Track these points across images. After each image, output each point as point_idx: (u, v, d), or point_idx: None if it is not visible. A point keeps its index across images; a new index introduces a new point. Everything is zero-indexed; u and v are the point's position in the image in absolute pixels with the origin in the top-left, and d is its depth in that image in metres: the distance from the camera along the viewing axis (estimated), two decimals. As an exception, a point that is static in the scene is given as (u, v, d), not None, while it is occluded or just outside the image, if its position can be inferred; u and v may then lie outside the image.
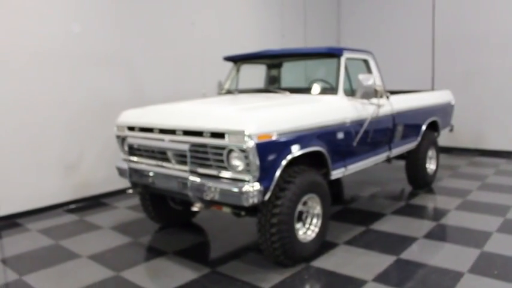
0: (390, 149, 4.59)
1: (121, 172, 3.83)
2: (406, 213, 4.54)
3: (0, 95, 4.35)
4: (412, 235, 3.90)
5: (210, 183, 3.03)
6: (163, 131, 3.36)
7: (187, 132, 3.17)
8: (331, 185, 5.72)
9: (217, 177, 3.09)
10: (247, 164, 2.88)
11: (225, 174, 3.05)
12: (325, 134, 3.47)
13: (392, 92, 5.34)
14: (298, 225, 3.33)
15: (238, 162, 2.94)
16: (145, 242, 3.91)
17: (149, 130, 3.49)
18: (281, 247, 3.11)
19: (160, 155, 3.45)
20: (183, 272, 3.26)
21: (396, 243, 3.73)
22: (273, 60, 4.74)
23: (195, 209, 3.13)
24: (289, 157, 3.09)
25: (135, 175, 3.62)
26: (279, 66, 4.81)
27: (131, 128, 3.67)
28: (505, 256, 3.38)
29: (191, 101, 4.03)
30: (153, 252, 3.67)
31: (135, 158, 3.70)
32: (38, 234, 4.13)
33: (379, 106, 3.91)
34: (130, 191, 3.72)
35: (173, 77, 5.96)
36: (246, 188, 2.88)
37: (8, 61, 4.40)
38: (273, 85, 4.90)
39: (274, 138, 2.98)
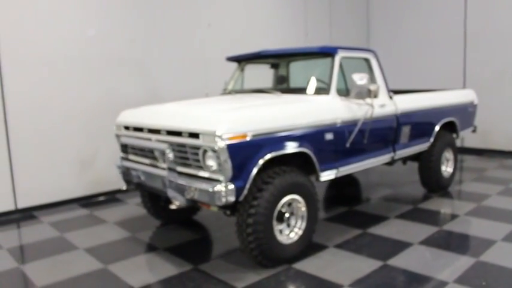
0: (394, 150, 4.43)
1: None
2: (410, 217, 4.37)
3: (21, 96, 4.69)
4: (408, 240, 3.75)
5: (188, 183, 3.11)
6: (151, 131, 3.48)
7: (169, 132, 3.27)
8: (344, 186, 5.66)
9: (196, 177, 3.16)
10: (219, 164, 2.92)
11: (202, 173, 3.12)
12: (311, 135, 3.42)
13: (405, 92, 5.16)
14: (281, 226, 3.31)
15: (212, 162, 2.99)
16: (142, 237, 4.05)
17: (140, 130, 3.62)
18: (258, 247, 3.12)
19: (149, 154, 3.57)
20: (166, 267, 3.35)
21: (388, 248, 3.60)
22: (273, 60, 4.73)
23: (173, 207, 3.21)
24: (267, 157, 3.09)
25: (127, 173, 3.77)
26: (279, 66, 4.79)
27: (127, 128, 3.83)
28: (500, 266, 3.17)
29: (184, 101, 4.11)
30: (145, 247, 3.80)
31: (128, 157, 3.87)
32: (48, 226, 4.41)
33: (372, 106, 3.78)
34: (124, 187, 3.87)
35: (189, 77, 6.11)
36: (218, 187, 2.91)
37: (28, 64, 4.72)
38: (280, 85, 4.89)
39: (248, 139, 2.99)
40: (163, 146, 3.23)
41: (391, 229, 4.05)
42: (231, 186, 2.94)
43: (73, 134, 5.11)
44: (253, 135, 3.02)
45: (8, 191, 4.67)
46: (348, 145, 3.76)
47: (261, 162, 3.06)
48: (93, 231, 4.24)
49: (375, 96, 3.71)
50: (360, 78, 3.66)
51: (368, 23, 9.05)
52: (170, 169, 3.22)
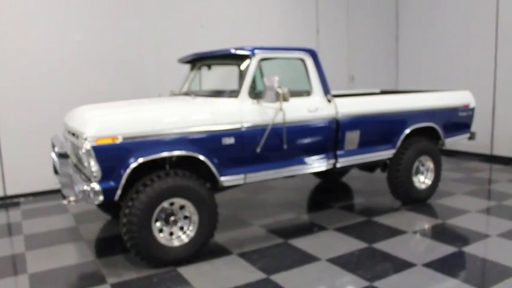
0: (336, 157, 4.11)
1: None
2: (349, 230, 4.03)
3: (10, 92, 5.29)
4: (319, 256, 3.48)
5: (71, 181, 3.29)
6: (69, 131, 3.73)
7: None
8: (321, 192, 5.35)
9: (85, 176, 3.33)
10: (89, 165, 3.05)
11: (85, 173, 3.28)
12: (203, 139, 3.36)
13: (387, 93, 4.75)
14: (173, 229, 3.33)
15: (86, 163, 3.13)
16: (82, 228, 4.33)
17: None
18: (133, 247, 3.18)
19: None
20: (71, 257, 3.58)
21: (289, 261, 3.39)
22: (215, 61, 4.63)
23: (64, 202, 3.39)
24: (142, 160, 3.12)
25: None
26: (211, 67, 4.67)
27: (66, 127, 4.13)
28: (385, 294, 2.82)
29: (104, 103, 4.22)
30: (74, 237, 4.05)
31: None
32: (18, 213, 4.92)
33: (282, 110, 3.57)
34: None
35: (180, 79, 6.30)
36: (86, 187, 3.05)
37: (18, 63, 5.29)
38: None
39: (119, 141, 3.07)
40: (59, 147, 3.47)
41: (314, 242, 3.79)
42: (98, 187, 3.05)
43: (61, 128, 5.61)
44: (125, 138, 3.09)
45: (-2, 179, 5.34)
46: (258, 150, 3.61)
47: (135, 164, 3.11)
48: (49, 220, 4.63)
49: (285, 99, 3.49)
50: (269, 81, 3.49)
51: (397, 21, 8.33)
52: (58, 167, 3.43)
